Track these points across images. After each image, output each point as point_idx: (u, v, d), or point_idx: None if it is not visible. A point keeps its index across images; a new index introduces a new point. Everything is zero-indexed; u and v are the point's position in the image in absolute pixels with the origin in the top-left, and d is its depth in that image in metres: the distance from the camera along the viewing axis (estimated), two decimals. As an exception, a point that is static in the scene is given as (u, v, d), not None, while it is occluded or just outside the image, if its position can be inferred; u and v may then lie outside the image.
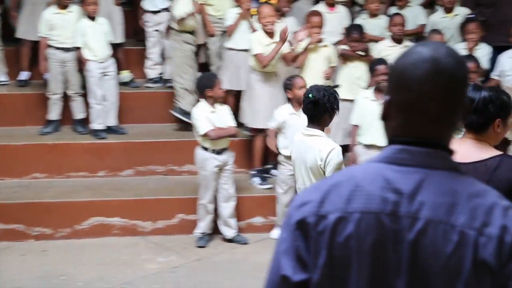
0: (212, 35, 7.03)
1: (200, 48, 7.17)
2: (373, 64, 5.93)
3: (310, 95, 4.14)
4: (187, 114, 6.41)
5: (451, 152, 1.48)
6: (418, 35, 6.85)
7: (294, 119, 5.59)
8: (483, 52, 6.26)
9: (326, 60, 6.38)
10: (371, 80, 5.89)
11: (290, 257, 1.47)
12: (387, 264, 1.40)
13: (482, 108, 2.75)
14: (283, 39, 6.01)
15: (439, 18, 6.80)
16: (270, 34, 6.22)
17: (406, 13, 6.66)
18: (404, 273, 1.39)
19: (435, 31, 6.45)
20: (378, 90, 5.81)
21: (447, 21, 6.65)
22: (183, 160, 6.47)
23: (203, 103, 5.64)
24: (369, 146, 5.79)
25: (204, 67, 7.22)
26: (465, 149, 2.82)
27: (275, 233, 5.83)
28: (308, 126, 4.19)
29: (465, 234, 1.36)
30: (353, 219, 1.43)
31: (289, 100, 5.72)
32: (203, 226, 5.75)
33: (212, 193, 5.70)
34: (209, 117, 5.59)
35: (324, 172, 4.05)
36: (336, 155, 4.04)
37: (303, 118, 5.53)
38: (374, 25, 6.75)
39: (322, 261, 1.44)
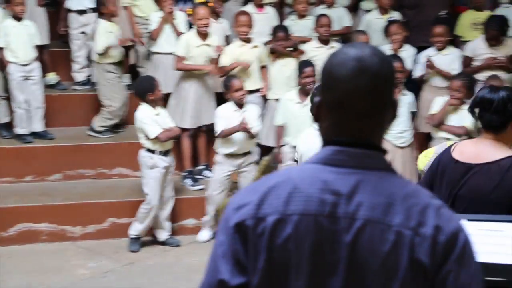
0: (138, 37, 6.96)
1: (130, 49, 7.10)
2: (300, 65, 6.00)
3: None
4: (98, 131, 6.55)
5: (384, 152, 1.50)
6: (343, 36, 6.98)
7: (236, 118, 5.63)
8: (407, 54, 6.42)
9: (258, 60, 6.43)
10: (298, 81, 5.96)
11: (228, 260, 1.46)
12: (325, 265, 1.42)
13: (501, 108, 2.83)
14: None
15: (374, 19, 6.95)
16: (203, 35, 6.23)
17: (332, 14, 6.76)
18: (342, 273, 1.41)
19: (360, 31, 6.59)
20: (303, 91, 5.87)
21: (381, 22, 6.80)
22: (114, 163, 6.38)
23: (146, 107, 5.57)
24: (295, 147, 5.86)
25: (133, 68, 7.16)
26: (480, 149, 2.90)
27: (203, 235, 5.83)
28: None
29: (401, 233, 1.39)
30: (292, 221, 1.43)
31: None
32: (141, 228, 5.67)
33: (159, 195, 5.64)
34: (155, 120, 5.55)
35: None
36: None
37: (237, 116, 5.61)
38: (302, 26, 6.83)
39: (261, 264, 1.44)
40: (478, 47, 6.40)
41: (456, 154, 2.98)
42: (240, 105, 5.70)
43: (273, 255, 1.43)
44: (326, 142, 1.50)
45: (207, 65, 6.30)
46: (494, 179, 2.83)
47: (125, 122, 6.78)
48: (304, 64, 5.95)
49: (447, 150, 3.06)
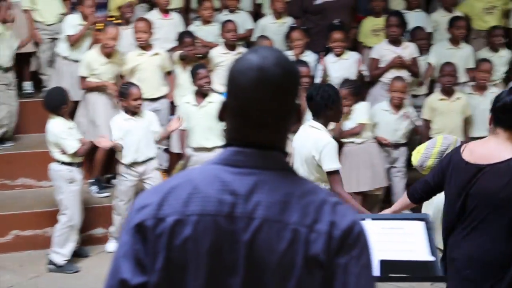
0: (38, 43, 6.77)
1: (31, 55, 6.89)
2: (194, 68, 6.01)
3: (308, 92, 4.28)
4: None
5: (285, 153, 1.54)
6: (246, 40, 7.04)
7: (132, 126, 5.57)
8: (309, 59, 6.54)
9: (159, 68, 6.40)
10: (193, 83, 5.98)
11: (129, 260, 1.48)
12: (224, 265, 1.45)
13: None
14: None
15: (268, 23, 7.04)
16: (108, 55, 6.16)
17: (235, 19, 6.81)
18: (240, 272, 1.44)
19: (263, 37, 6.67)
20: (199, 94, 5.93)
21: (276, 27, 6.90)
22: (16, 174, 6.17)
23: (59, 120, 5.38)
24: (198, 149, 5.93)
25: (35, 75, 6.95)
26: (490, 149, 2.98)
27: (111, 245, 5.72)
28: (313, 119, 4.25)
29: (297, 231, 1.43)
30: (191, 221, 1.46)
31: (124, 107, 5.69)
32: (66, 253, 5.42)
33: (80, 210, 5.48)
34: (71, 133, 5.40)
35: (319, 165, 4.10)
36: (331, 148, 4.10)
37: (140, 124, 5.59)
38: (207, 32, 6.84)
39: (160, 264, 1.46)
40: (383, 49, 6.60)
41: (466, 155, 3.07)
42: (134, 113, 5.64)
43: (171, 255, 1.46)
44: (227, 143, 1.53)
45: (110, 82, 6.16)
46: (504, 178, 2.92)
47: (18, 131, 6.55)
48: (198, 67, 5.98)
49: (457, 150, 3.15)
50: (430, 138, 6.10)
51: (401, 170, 6.22)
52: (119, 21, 6.64)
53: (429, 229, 3.16)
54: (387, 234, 3.20)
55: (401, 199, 3.62)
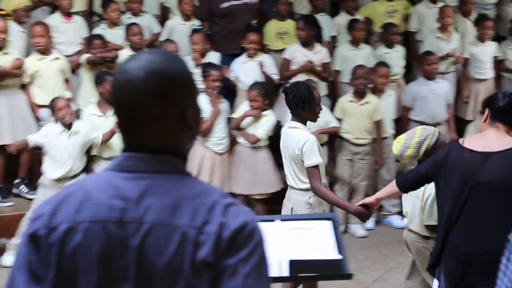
0: None
1: None
2: (98, 75, 5.91)
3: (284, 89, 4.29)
4: None
5: (183, 157, 1.53)
6: (152, 44, 6.95)
7: (58, 139, 5.46)
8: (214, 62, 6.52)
9: (60, 73, 6.24)
10: (97, 90, 5.91)
11: (24, 271, 1.47)
12: (114, 272, 1.43)
13: None
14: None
15: (177, 24, 6.97)
16: None
17: (140, 22, 6.72)
18: (131, 278, 1.43)
19: (169, 40, 6.61)
20: (102, 102, 5.84)
21: (184, 29, 6.84)
22: None
23: None
24: (109, 159, 5.78)
25: None
26: (491, 140, 3.27)
27: (8, 258, 5.49)
28: (291, 119, 4.25)
29: (186, 234, 1.42)
30: (81, 229, 1.44)
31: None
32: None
33: None
34: None
35: (303, 162, 4.12)
36: (310, 145, 4.09)
37: (64, 137, 5.43)
38: (114, 35, 6.72)
39: (52, 273, 1.45)
40: (295, 50, 6.66)
41: (468, 145, 3.31)
42: (67, 125, 5.49)
43: (62, 263, 1.44)
44: (123, 148, 1.53)
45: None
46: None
47: None
48: (103, 74, 5.88)
49: (456, 143, 3.41)
50: (341, 137, 6.32)
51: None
52: (10, 18, 6.38)
53: (336, 228, 3.22)
54: (297, 234, 3.24)
55: (388, 187, 3.80)
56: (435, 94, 6.66)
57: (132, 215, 1.44)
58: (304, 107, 4.15)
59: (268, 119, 6.02)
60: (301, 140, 4.13)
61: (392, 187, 3.72)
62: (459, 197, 3.26)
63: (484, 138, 3.35)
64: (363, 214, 3.90)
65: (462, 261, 3.29)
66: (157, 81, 1.48)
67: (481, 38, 7.20)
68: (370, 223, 6.31)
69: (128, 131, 1.50)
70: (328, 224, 3.27)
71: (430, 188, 3.74)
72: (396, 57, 7.02)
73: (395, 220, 6.39)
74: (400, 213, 5.34)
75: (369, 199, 3.88)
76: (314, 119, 4.29)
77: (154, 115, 1.47)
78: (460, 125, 7.10)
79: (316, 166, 4.10)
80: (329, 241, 3.13)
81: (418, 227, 4.00)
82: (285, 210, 4.33)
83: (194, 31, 6.65)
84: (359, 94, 6.38)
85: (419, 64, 6.86)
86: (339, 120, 6.36)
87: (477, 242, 3.25)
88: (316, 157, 4.11)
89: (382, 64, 6.62)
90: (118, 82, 1.49)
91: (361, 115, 6.36)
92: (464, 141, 3.38)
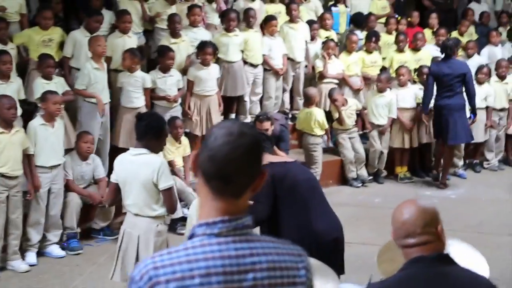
0: None
1: None
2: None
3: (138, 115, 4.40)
4: None
5: None
6: None
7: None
8: None
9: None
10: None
11: None
12: None
13: None
14: None
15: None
16: None
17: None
18: None
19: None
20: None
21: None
22: None
23: None
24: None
25: None
26: None
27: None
28: (136, 146, 4.30)
29: None
30: None
31: None
32: None
33: None
34: None
35: (156, 186, 4.23)
36: (165, 167, 4.27)
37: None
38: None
39: None
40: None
41: None
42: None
43: None
44: None
45: None
46: None
47: None
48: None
49: None
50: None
51: None
52: None
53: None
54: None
55: None
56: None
57: None
58: (152, 139, 4.28)
59: None
60: (155, 163, 4.25)
61: None
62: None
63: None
64: None
65: None
66: None
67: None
68: (33, 257, 6.03)
69: None
70: None
71: None
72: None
73: (55, 250, 6.16)
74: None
75: None
76: (157, 152, 4.40)
77: None
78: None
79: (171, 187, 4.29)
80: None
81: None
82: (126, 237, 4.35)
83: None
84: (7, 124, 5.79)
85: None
86: None
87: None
88: (170, 179, 4.32)
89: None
90: None
91: (15, 145, 5.92)
92: None
